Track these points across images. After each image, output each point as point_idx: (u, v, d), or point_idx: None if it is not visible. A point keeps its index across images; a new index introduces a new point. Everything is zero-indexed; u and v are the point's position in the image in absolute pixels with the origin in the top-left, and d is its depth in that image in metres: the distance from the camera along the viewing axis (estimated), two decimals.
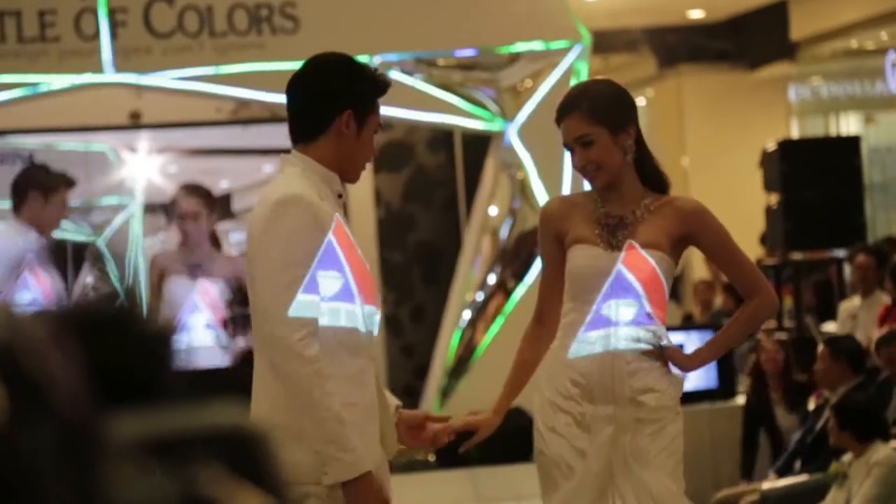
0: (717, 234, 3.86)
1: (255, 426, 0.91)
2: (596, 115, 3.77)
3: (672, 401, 3.77)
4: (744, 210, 12.75)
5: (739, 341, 3.93)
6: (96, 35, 8.60)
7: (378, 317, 3.36)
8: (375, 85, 3.43)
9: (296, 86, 3.40)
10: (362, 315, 3.26)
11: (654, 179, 3.87)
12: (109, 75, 8.67)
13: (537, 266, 9.12)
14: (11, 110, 8.95)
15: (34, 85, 8.67)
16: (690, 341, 8.21)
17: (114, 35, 8.62)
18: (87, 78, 8.69)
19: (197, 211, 6.89)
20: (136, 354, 0.85)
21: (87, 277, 10.75)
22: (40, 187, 6.33)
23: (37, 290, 5.90)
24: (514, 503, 7.74)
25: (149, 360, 0.85)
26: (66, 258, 10.75)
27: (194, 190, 7.10)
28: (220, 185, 9.39)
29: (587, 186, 3.92)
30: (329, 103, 3.33)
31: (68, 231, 10.71)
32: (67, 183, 6.54)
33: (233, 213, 9.64)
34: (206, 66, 8.70)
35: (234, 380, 3.40)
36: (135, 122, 10.09)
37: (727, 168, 13.97)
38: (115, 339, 0.84)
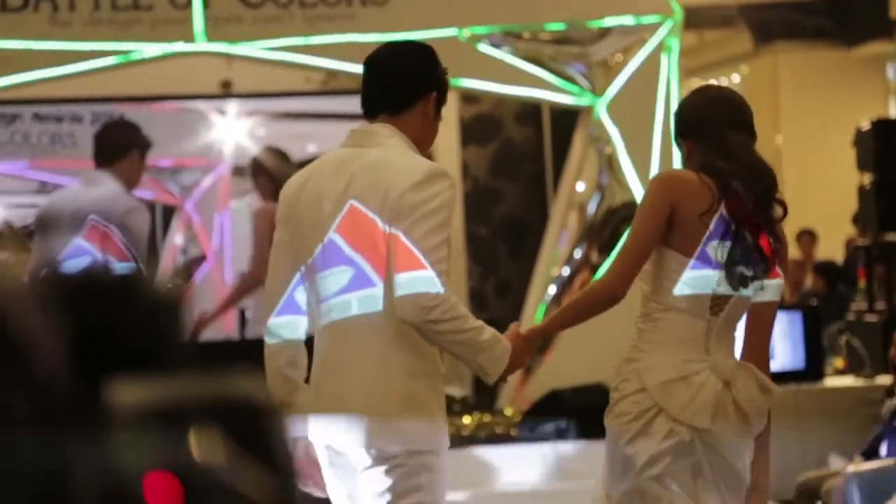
0: None
1: (262, 399, 0.90)
2: None
3: (615, 394, 3.69)
4: (837, 189, 12.56)
5: (572, 322, 3.66)
6: (188, 4, 8.66)
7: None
8: (446, 80, 3.62)
9: (385, 60, 3.56)
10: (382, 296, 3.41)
11: None
12: (201, 44, 8.74)
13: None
14: (104, 78, 9.05)
15: (127, 53, 8.77)
16: (778, 321, 8.10)
17: (205, 4, 8.68)
18: (179, 47, 8.76)
19: (265, 165, 6.98)
20: (140, 322, 0.84)
21: (176, 238, 10.87)
22: (140, 147, 6.30)
23: (100, 251, 5.79)
24: (596, 480, 7.70)
25: (152, 328, 0.85)
26: (153, 219, 10.87)
27: (269, 148, 7.20)
28: (308, 149, 9.44)
29: (677, 162, 3.92)
30: (420, 82, 3.53)
31: (158, 192, 10.83)
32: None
33: None
34: (295, 37, 8.74)
35: (248, 351, 3.49)
36: (226, 91, 10.16)
37: (822, 147, 13.77)
38: (118, 307, 0.83)
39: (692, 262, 3.64)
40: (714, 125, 3.68)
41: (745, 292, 3.70)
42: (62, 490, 0.74)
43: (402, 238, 3.32)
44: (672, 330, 3.61)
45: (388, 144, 3.45)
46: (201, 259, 10.26)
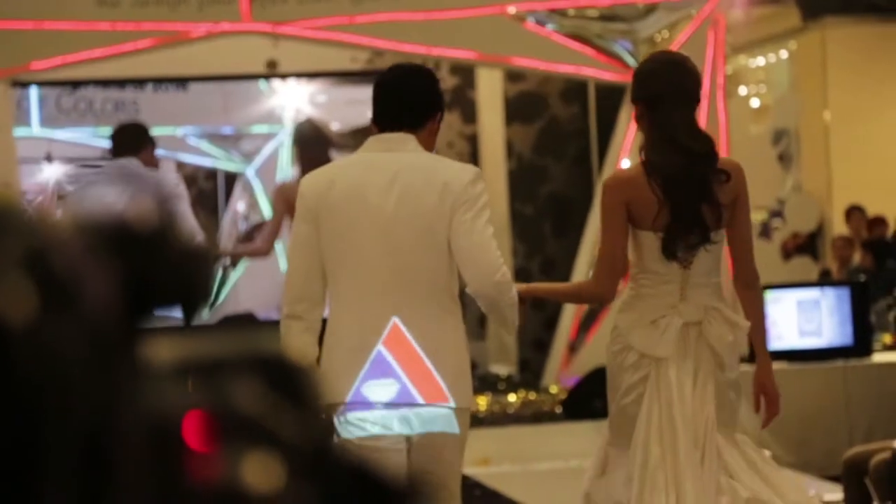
0: None
1: (294, 356, 0.94)
2: None
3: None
4: (886, 167, 12.47)
5: (560, 301, 4.07)
6: None
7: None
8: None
9: (402, 83, 4.01)
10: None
11: None
12: (246, 24, 8.78)
13: None
14: (153, 57, 9.11)
15: (174, 33, 8.82)
16: (826, 297, 8.06)
17: None
18: (225, 26, 8.80)
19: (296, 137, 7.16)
20: (173, 274, 0.87)
21: (238, 205, 10.95)
22: (153, 143, 6.89)
23: None
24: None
25: (186, 280, 0.87)
26: (216, 186, 10.97)
27: (307, 120, 7.36)
28: (367, 115, 9.50)
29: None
30: (434, 102, 4.02)
31: (220, 159, 10.93)
32: None
33: None
34: (340, 16, 8.76)
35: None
36: (271, 71, 10.21)
37: (870, 123, 13.66)
38: (150, 257, 0.85)
39: (650, 234, 4.07)
40: (663, 100, 4.03)
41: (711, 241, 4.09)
42: (106, 429, 0.76)
43: (469, 225, 3.76)
44: (648, 286, 4.09)
45: (419, 151, 3.91)
46: (263, 225, 10.35)
